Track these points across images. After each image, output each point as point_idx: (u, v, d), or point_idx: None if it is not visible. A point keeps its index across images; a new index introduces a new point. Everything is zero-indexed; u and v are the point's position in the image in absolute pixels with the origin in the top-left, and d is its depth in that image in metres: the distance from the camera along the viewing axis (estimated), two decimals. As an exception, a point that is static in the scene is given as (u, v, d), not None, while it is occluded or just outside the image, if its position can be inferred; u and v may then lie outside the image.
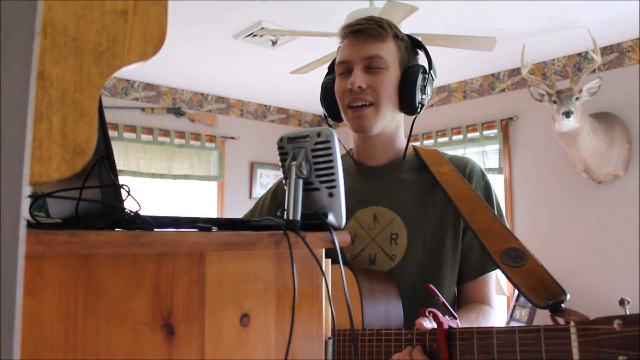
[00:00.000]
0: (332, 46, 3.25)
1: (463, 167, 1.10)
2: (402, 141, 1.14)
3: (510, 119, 3.89)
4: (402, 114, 1.11)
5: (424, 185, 1.08)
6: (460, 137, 4.15)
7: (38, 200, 0.67)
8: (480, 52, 2.85)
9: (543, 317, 3.28)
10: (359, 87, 1.02)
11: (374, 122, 1.04)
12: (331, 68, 1.18)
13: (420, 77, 1.05)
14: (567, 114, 2.91)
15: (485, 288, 1.08)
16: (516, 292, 3.52)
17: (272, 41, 3.32)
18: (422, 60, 1.13)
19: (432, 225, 1.05)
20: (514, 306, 3.47)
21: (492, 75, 4.07)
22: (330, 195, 0.61)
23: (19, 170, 0.29)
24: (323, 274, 0.61)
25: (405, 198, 1.08)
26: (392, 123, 1.09)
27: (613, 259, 3.29)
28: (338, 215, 0.61)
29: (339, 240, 0.60)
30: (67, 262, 0.43)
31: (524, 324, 3.32)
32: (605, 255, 3.33)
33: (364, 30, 1.04)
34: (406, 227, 1.05)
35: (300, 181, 0.60)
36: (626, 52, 3.36)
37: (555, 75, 3.68)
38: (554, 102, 2.99)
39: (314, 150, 0.61)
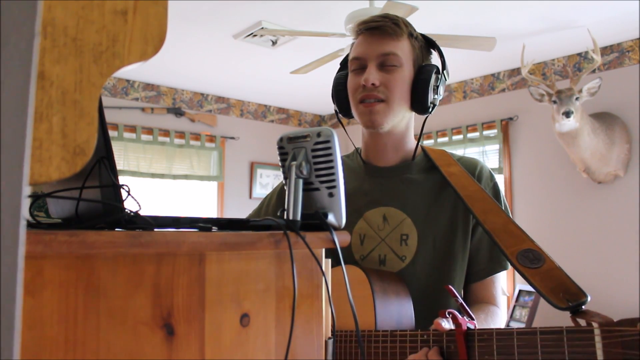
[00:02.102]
0: (332, 46, 3.26)
1: (472, 168, 1.10)
2: (412, 141, 1.14)
3: (510, 119, 3.89)
4: (413, 113, 1.10)
5: (434, 186, 1.08)
6: (460, 137, 4.15)
7: (38, 200, 0.67)
8: (480, 52, 2.85)
9: (543, 317, 3.28)
10: (372, 84, 1.01)
11: (385, 119, 1.03)
12: (343, 64, 1.17)
13: (433, 77, 1.04)
14: (567, 114, 2.91)
15: (493, 289, 1.08)
16: (516, 292, 3.52)
17: (272, 41, 3.32)
18: (435, 60, 1.13)
19: (442, 226, 1.05)
20: (514, 306, 3.47)
21: (492, 75, 4.07)
22: (330, 195, 0.61)
23: (19, 170, 0.29)
24: (323, 274, 0.61)
25: (415, 199, 1.08)
26: (402, 122, 1.09)
27: (613, 259, 3.29)
28: (338, 215, 0.61)
29: (339, 240, 0.60)
30: (67, 262, 0.43)
31: (523, 324, 3.32)
32: (605, 255, 3.33)
33: (380, 28, 1.04)
34: (416, 228, 1.05)
35: (300, 181, 0.60)
36: (626, 52, 3.36)
37: (555, 75, 3.68)
38: (554, 102, 2.99)
39: (314, 150, 0.61)
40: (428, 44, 1.11)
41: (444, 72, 1.08)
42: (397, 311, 0.96)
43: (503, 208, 1.06)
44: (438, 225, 1.05)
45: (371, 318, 0.93)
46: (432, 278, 1.03)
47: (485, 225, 0.95)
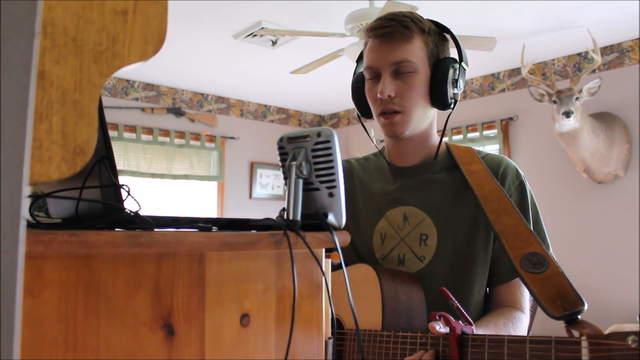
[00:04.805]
0: (332, 46, 3.26)
1: (496, 166, 1.07)
2: (435, 138, 1.11)
3: (510, 119, 3.89)
4: (435, 109, 1.08)
5: (455, 185, 1.06)
6: (461, 137, 4.15)
7: (38, 200, 0.67)
8: (480, 52, 2.85)
9: (543, 319, 3.27)
10: (388, 95, 1.00)
11: (405, 128, 1.02)
12: (359, 61, 1.15)
13: (450, 71, 1.02)
14: (567, 114, 2.91)
15: (518, 292, 1.04)
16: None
17: (272, 41, 3.32)
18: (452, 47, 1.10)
19: (463, 226, 1.03)
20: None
21: (492, 75, 4.07)
22: (330, 195, 0.61)
23: (19, 170, 0.29)
24: (323, 273, 0.60)
25: (436, 198, 1.06)
26: (425, 121, 1.06)
27: (613, 259, 3.29)
28: (338, 215, 0.61)
29: (339, 240, 0.60)
30: (67, 262, 0.43)
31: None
32: (605, 255, 3.33)
33: (389, 34, 1.01)
34: (436, 228, 1.03)
35: (300, 181, 0.60)
36: (626, 52, 3.36)
37: (555, 75, 3.68)
38: (554, 102, 2.99)
39: (314, 150, 0.61)
40: (442, 31, 1.08)
41: (462, 62, 1.05)
42: (407, 312, 0.95)
43: (530, 207, 1.04)
44: (459, 225, 1.03)
45: (378, 318, 0.92)
46: (452, 279, 1.01)
47: (495, 226, 0.93)
